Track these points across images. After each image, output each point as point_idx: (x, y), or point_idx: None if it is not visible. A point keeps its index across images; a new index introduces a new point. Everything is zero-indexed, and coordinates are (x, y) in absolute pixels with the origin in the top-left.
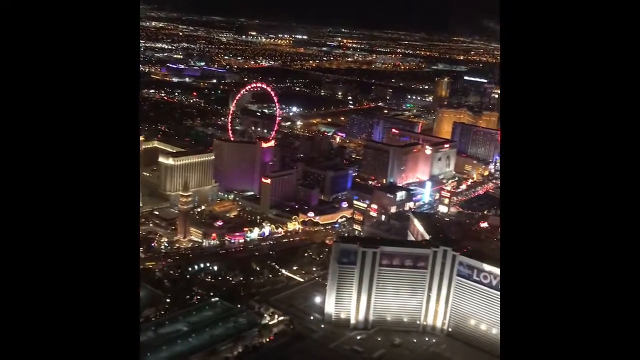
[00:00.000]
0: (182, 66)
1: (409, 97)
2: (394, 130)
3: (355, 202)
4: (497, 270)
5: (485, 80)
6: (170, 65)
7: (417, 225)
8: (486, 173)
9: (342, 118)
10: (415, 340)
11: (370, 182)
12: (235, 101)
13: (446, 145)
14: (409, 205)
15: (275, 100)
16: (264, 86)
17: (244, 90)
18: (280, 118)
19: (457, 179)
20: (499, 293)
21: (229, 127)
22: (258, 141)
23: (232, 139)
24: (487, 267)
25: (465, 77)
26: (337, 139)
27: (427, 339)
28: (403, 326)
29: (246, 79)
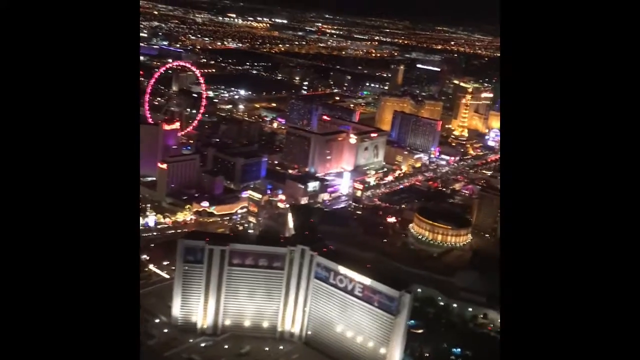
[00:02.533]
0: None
1: (368, 84)
2: (324, 117)
3: (250, 192)
4: (352, 274)
5: (439, 69)
6: None
7: (289, 220)
8: (418, 165)
9: None
10: (267, 349)
11: (290, 171)
12: (153, 80)
13: (374, 135)
14: (323, 196)
15: (201, 81)
16: (188, 65)
17: (163, 68)
18: (216, 100)
19: (385, 170)
20: (354, 298)
21: (146, 108)
22: (160, 123)
23: (149, 120)
24: (342, 269)
25: (418, 65)
26: (275, 125)
27: (281, 347)
28: (260, 332)
29: (204, 60)
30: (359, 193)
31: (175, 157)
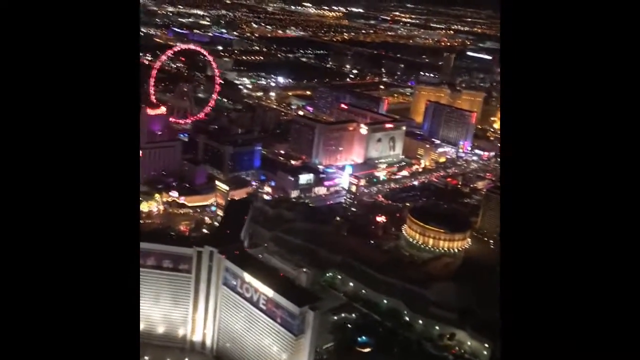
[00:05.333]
0: (187, 31)
1: (422, 74)
2: (342, 105)
3: (218, 183)
4: (257, 283)
5: (490, 57)
6: (176, 29)
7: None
8: (442, 160)
9: None
10: None
11: (293, 162)
12: (159, 63)
13: (389, 125)
14: (319, 190)
15: (214, 66)
16: (198, 49)
17: (170, 51)
18: (248, 87)
19: (402, 164)
20: (258, 312)
21: (152, 94)
22: (144, 107)
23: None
24: (247, 277)
25: (469, 54)
26: (301, 113)
27: (186, 359)
28: (169, 341)
29: (256, 47)
30: (353, 188)
31: (153, 143)
